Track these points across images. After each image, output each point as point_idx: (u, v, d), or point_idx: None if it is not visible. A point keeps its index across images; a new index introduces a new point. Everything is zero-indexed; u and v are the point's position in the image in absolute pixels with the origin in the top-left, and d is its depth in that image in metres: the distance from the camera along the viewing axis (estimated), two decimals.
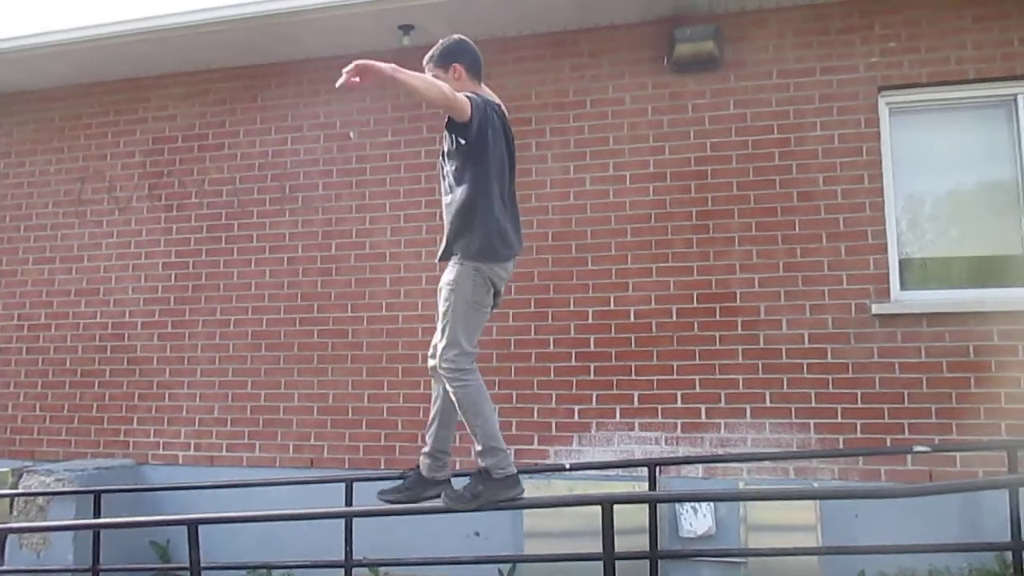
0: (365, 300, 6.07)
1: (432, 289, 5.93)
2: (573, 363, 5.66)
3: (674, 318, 5.55)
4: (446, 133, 3.38)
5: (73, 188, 6.83)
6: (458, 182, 3.37)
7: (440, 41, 3.53)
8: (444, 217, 3.46)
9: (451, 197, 3.41)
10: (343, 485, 4.67)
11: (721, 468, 5.35)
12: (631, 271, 5.65)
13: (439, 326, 3.39)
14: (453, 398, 3.35)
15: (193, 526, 3.82)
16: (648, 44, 5.80)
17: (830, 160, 5.46)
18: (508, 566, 5.47)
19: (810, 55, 5.58)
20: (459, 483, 3.50)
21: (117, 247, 6.65)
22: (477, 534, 5.62)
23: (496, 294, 3.48)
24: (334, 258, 6.18)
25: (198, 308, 6.41)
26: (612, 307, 5.64)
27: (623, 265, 5.66)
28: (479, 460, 3.37)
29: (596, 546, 5.14)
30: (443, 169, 3.48)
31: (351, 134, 6.25)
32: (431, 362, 3.48)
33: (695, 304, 5.53)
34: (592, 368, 5.63)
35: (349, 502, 4.87)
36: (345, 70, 3.10)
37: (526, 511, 5.38)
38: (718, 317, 5.49)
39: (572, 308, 5.71)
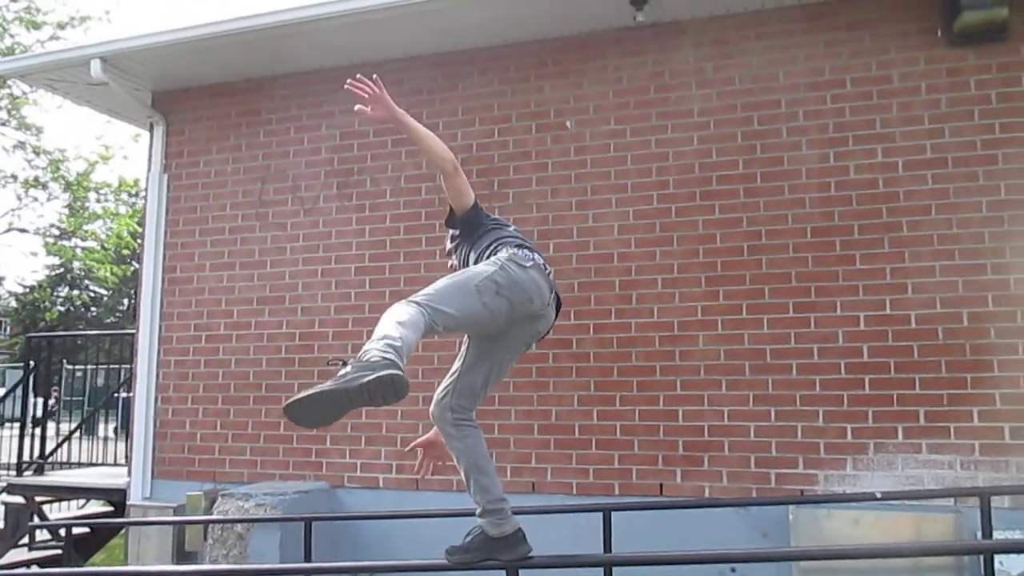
0: (591, 306, 5.45)
1: (668, 293, 5.40)
2: (843, 375, 4.97)
3: (965, 323, 4.83)
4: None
5: (253, 189, 6.34)
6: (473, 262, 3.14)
7: None
8: None
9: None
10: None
11: None
12: (909, 270, 4.95)
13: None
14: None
15: (513, 570, 3.30)
16: (916, 15, 5.12)
17: None
18: None
19: None
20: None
21: (303, 251, 6.13)
22: (733, 570, 4.96)
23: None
24: (552, 260, 5.32)
25: None
26: (888, 311, 4.95)
27: (899, 264, 4.97)
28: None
29: None
30: (453, 263, 3.35)
31: (568, 123, 5.65)
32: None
33: (990, 307, 4.81)
34: (866, 381, 4.93)
35: (608, 536, 4.30)
36: (351, 82, 3.00)
37: (795, 543, 4.73)
38: (1020, 322, 4.76)
39: (839, 313, 5.02)
